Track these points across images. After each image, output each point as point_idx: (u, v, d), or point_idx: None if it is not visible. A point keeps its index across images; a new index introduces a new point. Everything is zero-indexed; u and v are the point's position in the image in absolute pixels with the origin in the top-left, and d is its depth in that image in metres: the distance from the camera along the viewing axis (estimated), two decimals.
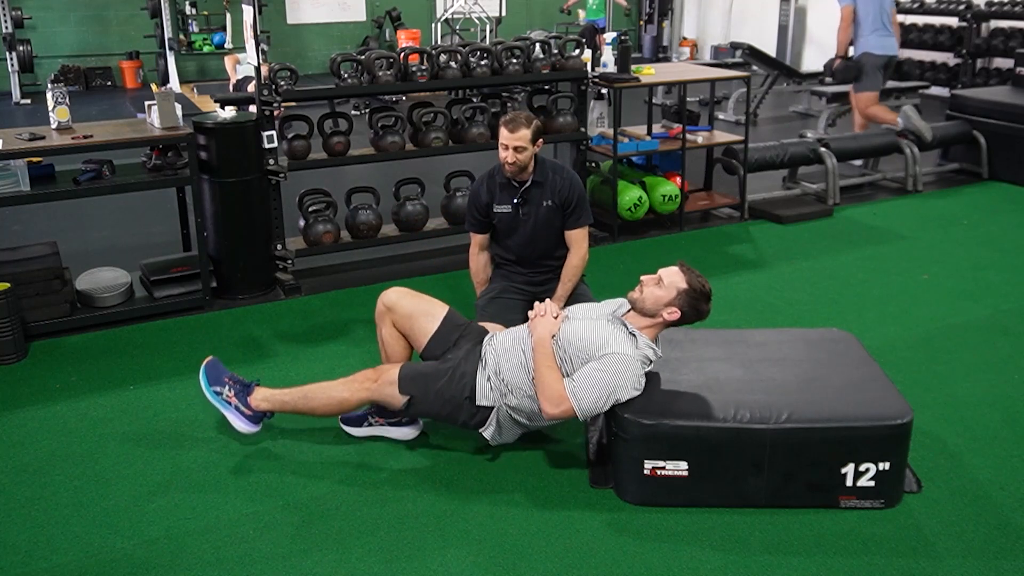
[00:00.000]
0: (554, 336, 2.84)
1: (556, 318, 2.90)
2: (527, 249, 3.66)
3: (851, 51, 6.82)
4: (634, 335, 2.82)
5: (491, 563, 2.50)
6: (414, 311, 3.12)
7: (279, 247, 4.53)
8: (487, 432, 2.92)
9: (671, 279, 2.84)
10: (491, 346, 2.98)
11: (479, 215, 3.70)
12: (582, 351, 2.79)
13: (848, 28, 6.69)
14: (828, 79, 7.29)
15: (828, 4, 7.51)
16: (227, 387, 3.05)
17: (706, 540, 2.60)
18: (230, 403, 3.03)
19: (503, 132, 3.48)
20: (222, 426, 3.22)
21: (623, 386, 2.70)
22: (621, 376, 2.70)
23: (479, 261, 3.78)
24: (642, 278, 2.89)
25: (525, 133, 3.46)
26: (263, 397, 3.03)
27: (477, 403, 2.89)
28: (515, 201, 3.59)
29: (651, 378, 2.88)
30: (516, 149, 3.47)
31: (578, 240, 3.65)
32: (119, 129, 4.22)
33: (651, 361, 2.83)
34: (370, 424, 3.14)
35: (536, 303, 3.00)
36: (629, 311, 2.92)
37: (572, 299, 3.61)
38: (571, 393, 2.69)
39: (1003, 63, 9.83)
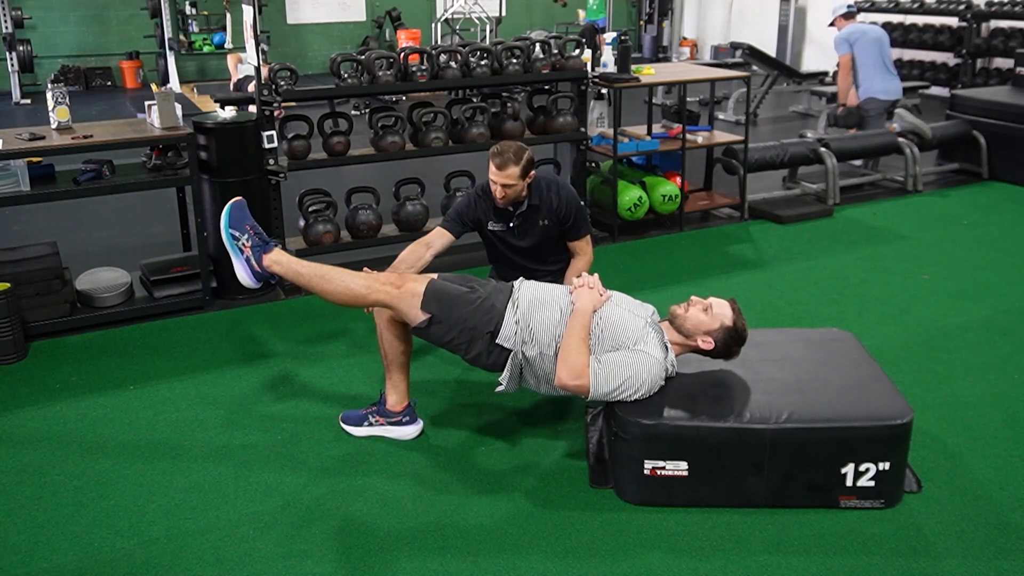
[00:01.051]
0: (595, 311, 2.83)
1: (601, 295, 2.89)
2: (524, 263, 3.64)
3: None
4: (666, 347, 2.83)
5: (491, 563, 2.50)
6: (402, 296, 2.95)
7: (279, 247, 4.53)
8: (503, 377, 2.86)
9: (721, 311, 2.85)
10: (523, 291, 2.93)
11: (463, 223, 3.53)
12: (617, 336, 2.78)
13: (848, 76, 6.70)
14: (834, 121, 7.25)
15: (828, 4, 7.53)
16: (246, 235, 2.95)
17: (706, 540, 2.60)
18: (243, 252, 2.95)
19: (491, 167, 3.34)
20: (222, 426, 3.23)
21: (641, 386, 2.70)
22: (644, 376, 2.70)
23: (423, 255, 3.44)
24: (692, 298, 2.90)
25: (514, 170, 3.32)
26: (277, 260, 2.95)
27: (497, 341, 2.83)
28: (510, 224, 3.54)
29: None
30: (505, 186, 3.36)
31: (582, 248, 3.63)
32: (119, 129, 4.22)
33: (670, 376, 2.84)
34: (370, 424, 3.14)
35: (584, 273, 2.98)
36: (662, 322, 2.92)
37: None
38: (593, 371, 2.68)
39: (1003, 63, 9.84)
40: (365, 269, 3.02)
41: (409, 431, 3.13)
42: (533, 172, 3.45)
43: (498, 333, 2.84)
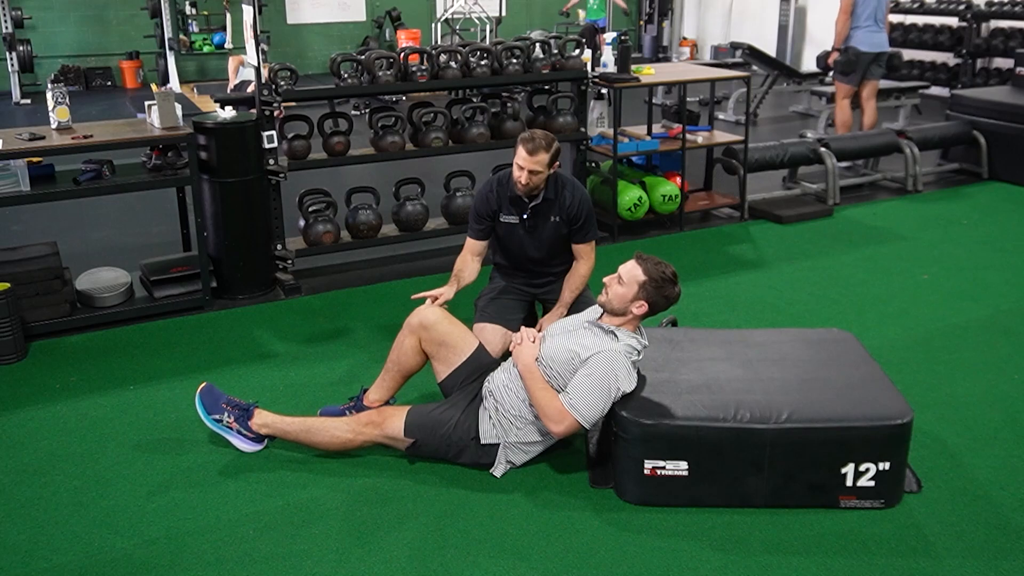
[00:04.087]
0: (537, 358, 2.86)
1: (534, 341, 2.91)
2: (529, 259, 3.64)
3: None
4: (612, 331, 2.83)
5: (491, 563, 2.50)
6: (447, 339, 3.07)
7: (279, 247, 4.53)
8: (497, 471, 2.93)
9: (630, 274, 2.82)
10: (488, 385, 2.99)
11: (486, 221, 3.56)
12: (567, 363, 2.80)
13: (847, 20, 6.75)
14: (827, 78, 7.30)
15: (828, 4, 7.55)
16: (226, 413, 3.05)
17: (706, 540, 2.60)
18: (232, 428, 3.04)
19: (521, 152, 3.35)
20: None
21: (616, 381, 2.71)
22: (611, 373, 2.71)
23: (470, 266, 3.55)
24: (604, 280, 2.88)
25: (543, 157, 3.34)
26: (264, 423, 3.03)
27: (482, 442, 2.91)
28: (523, 216, 3.54)
29: (651, 378, 2.89)
30: (532, 172, 3.37)
31: (586, 252, 3.62)
32: (119, 129, 4.22)
33: (637, 350, 2.83)
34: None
35: (514, 333, 3.00)
36: (603, 314, 2.93)
37: (576, 306, 3.60)
38: (570, 406, 2.71)
39: (1003, 63, 9.83)
40: (357, 416, 3.03)
41: None
42: (558, 163, 3.48)
43: (480, 436, 2.91)
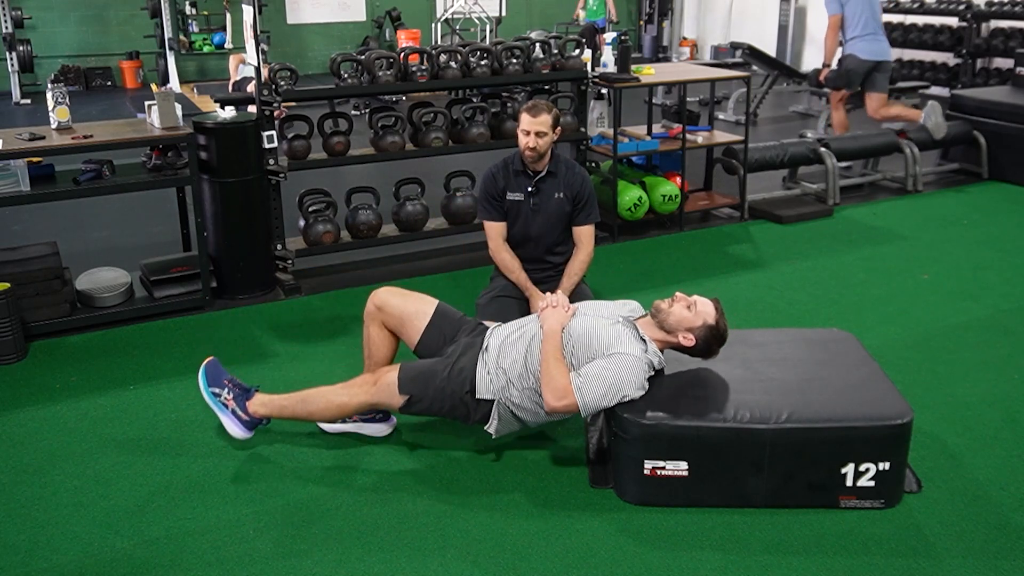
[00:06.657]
0: (563, 328, 2.84)
1: (567, 311, 2.90)
2: (532, 241, 3.66)
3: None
4: (644, 340, 2.83)
5: (491, 563, 2.50)
6: (404, 310, 3.09)
7: (279, 247, 4.53)
8: (491, 427, 2.90)
9: (704, 308, 2.85)
10: (493, 338, 2.97)
11: (496, 202, 3.67)
12: (589, 347, 2.79)
13: (835, 36, 6.65)
14: (817, 83, 7.22)
15: None
16: (226, 390, 3.02)
17: (706, 540, 2.60)
18: (227, 407, 3.01)
19: (524, 117, 3.54)
20: (222, 426, 3.22)
21: (628, 386, 2.70)
22: (627, 376, 2.70)
23: (504, 252, 3.65)
24: (676, 294, 2.90)
25: (546, 119, 3.53)
26: (261, 402, 3.01)
27: (477, 396, 2.87)
28: (528, 189, 3.62)
29: (652, 378, 2.88)
30: (537, 134, 3.52)
31: (586, 238, 3.69)
32: (119, 129, 4.22)
33: (656, 369, 2.84)
34: (344, 420, 3.14)
35: (548, 293, 3.00)
36: (643, 317, 2.93)
37: (573, 297, 3.61)
38: (576, 387, 2.69)
39: (1003, 63, 9.84)
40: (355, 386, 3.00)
41: (382, 428, 3.14)
42: (560, 129, 3.65)
43: (476, 390, 2.88)
